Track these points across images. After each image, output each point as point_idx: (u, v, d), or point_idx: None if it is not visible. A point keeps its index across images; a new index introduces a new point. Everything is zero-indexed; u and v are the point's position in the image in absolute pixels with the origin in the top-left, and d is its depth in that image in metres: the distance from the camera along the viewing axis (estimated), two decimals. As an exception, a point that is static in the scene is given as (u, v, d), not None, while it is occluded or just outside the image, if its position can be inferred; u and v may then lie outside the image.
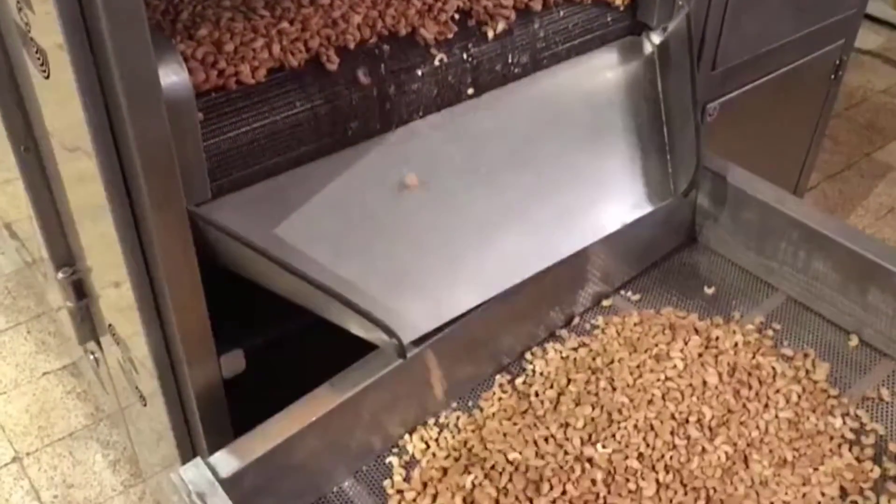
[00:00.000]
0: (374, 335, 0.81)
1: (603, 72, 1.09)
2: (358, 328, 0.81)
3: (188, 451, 0.93)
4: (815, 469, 0.89)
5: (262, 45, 0.82)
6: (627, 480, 0.87)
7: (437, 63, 0.94)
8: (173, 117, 0.69)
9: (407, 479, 0.90)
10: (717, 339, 1.01)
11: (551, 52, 1.04)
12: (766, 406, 0.94)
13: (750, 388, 0.96)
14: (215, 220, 0.74)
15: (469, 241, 0.93)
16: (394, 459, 0.91)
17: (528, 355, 1.02)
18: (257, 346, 0.90)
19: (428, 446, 0.93)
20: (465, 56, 0.96)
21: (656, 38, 1.10)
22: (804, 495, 0.86)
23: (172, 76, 0.71)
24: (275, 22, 0.85)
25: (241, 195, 0.83)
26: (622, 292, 1.10)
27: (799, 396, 0.95)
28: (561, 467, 0.88)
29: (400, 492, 0.88)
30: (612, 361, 0.99)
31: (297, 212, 0.86)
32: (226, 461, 0.79)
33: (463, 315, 0.90)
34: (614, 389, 0.96)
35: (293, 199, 0.86)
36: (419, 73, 0.93)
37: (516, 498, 0.86)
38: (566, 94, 1.05)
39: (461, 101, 0.99)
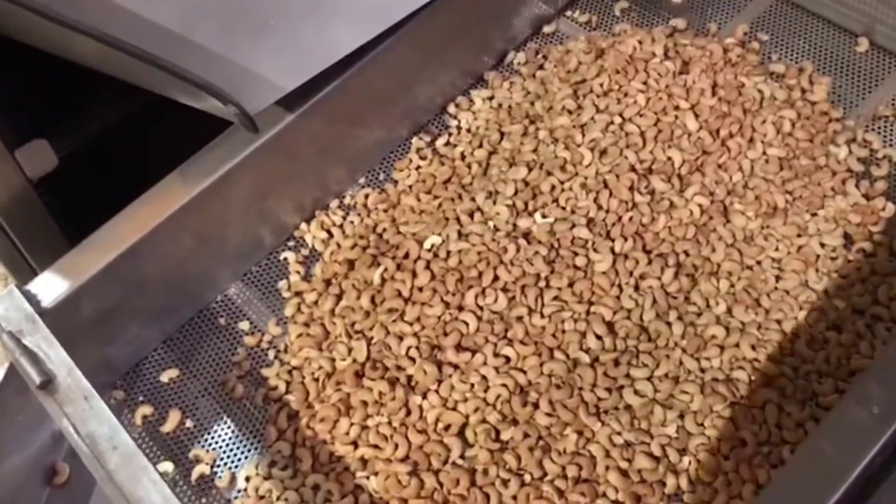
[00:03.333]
0: (210, 104, 0.58)
1: None
2: (185, 96, 0.59)
3: (28, 274, 0.75)
4: (814, 214, 0.71)
5: None
6: (575, 255, 0.69)
7: None
8: None
9: (306, 278, 0.74)
10: (688, 61, 0.79)
11: None
12: (751, 141, 0.75)
13: (731, 118, 0.75)
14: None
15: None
16: (290, 255, 0.76)
17: (451, 108, 0.83)
18: (81, 138, 0.68)
19: (331, 235, 0.76)
20: None
21: None
22: (799, 249, 0.69)
23: None
24: None
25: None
26: (567, 13, 0.90)
27: (793, 124, 0.75)
28: (489, 248, 0.70)
29: (299, 293, 0.74)
30: (552, 106, 0.78)
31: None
32: (49, 286, 0.64)
33: (349, 64, 0.67)
34: (555, 141, 0.75)
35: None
36: None
37: (434, 291, 0.68)
38: None
39: None
